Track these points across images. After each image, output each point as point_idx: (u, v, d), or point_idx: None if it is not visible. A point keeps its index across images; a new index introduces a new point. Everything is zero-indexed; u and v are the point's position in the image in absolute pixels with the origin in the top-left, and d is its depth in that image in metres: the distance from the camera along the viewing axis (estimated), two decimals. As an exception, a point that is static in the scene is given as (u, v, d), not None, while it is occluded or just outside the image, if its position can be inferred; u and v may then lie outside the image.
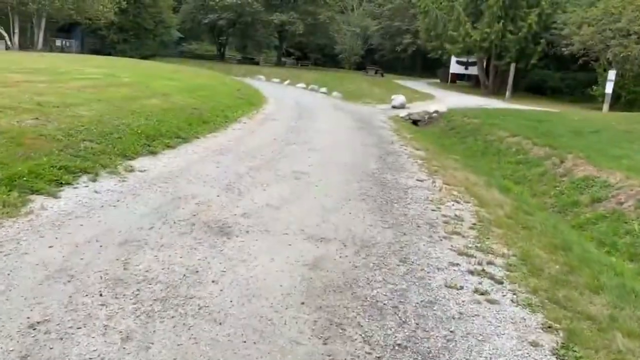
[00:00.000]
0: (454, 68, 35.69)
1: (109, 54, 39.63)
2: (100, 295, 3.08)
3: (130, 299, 3.06)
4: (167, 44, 45.64)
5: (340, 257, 4.10)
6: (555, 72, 30.09)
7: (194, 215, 4.72)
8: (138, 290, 3.19)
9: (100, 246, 3.78)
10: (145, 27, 41.26)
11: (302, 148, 9.02)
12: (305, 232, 4.57)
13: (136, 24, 40.61)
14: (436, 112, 18.41)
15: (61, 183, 5.04)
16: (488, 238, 5.01)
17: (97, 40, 42.85)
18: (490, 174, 9.64)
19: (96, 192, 5.08)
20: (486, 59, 30.44)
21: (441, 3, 30.88)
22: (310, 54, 58.47)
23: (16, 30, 29.62)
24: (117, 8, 33.58)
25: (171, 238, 4.10)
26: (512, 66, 25.99)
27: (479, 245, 4.77)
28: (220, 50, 51.23)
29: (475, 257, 4.42)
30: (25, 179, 4.78)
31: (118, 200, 4.91)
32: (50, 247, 3.66)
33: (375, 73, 39.96)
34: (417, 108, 20.08)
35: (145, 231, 4.18)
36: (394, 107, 20.22)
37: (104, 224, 4.25)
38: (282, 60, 49.82)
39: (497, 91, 29.19)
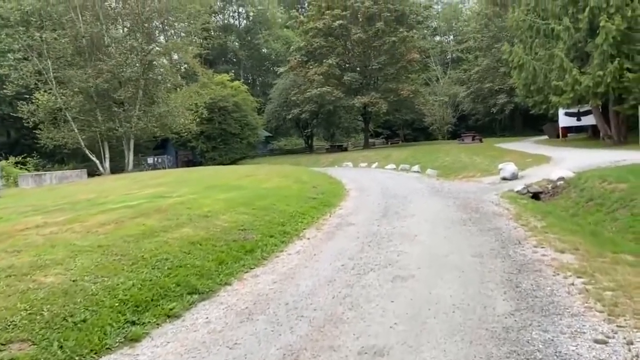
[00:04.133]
0: (563, 121, 31.15)
1: (200, 164, 40.29)
2: None
3: None
4: (254, 145, 45.93)
5: None
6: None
7: None
8: None
9: None
10: (232, 132, 41.85)
11: (383, 279, 5.95)
12: None
13: (222, 130, 41.29)
14: (562, 178, 14.47)
15: None
16: None
17: (189, 152, 44.19)
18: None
19: None
20: (602, 106, 25.92)
21: (536, 53, 27.24)
22: (398, 130, 56.63)
23: (107, 156, 30.39)
24: (198, 119, 33.87)
25: None
26: (641, 109, 21.30)
27: None
28: (308, 142, 50.82)
29: None
30: None
31: None
32: None
33: (473, 139, 36.45)
34: (534, 175, 16.22)
35: None
36: (504, 178, 16.53)
37: None
38: (369, 141, 48.04)
39: (623, 141, 24.39)
